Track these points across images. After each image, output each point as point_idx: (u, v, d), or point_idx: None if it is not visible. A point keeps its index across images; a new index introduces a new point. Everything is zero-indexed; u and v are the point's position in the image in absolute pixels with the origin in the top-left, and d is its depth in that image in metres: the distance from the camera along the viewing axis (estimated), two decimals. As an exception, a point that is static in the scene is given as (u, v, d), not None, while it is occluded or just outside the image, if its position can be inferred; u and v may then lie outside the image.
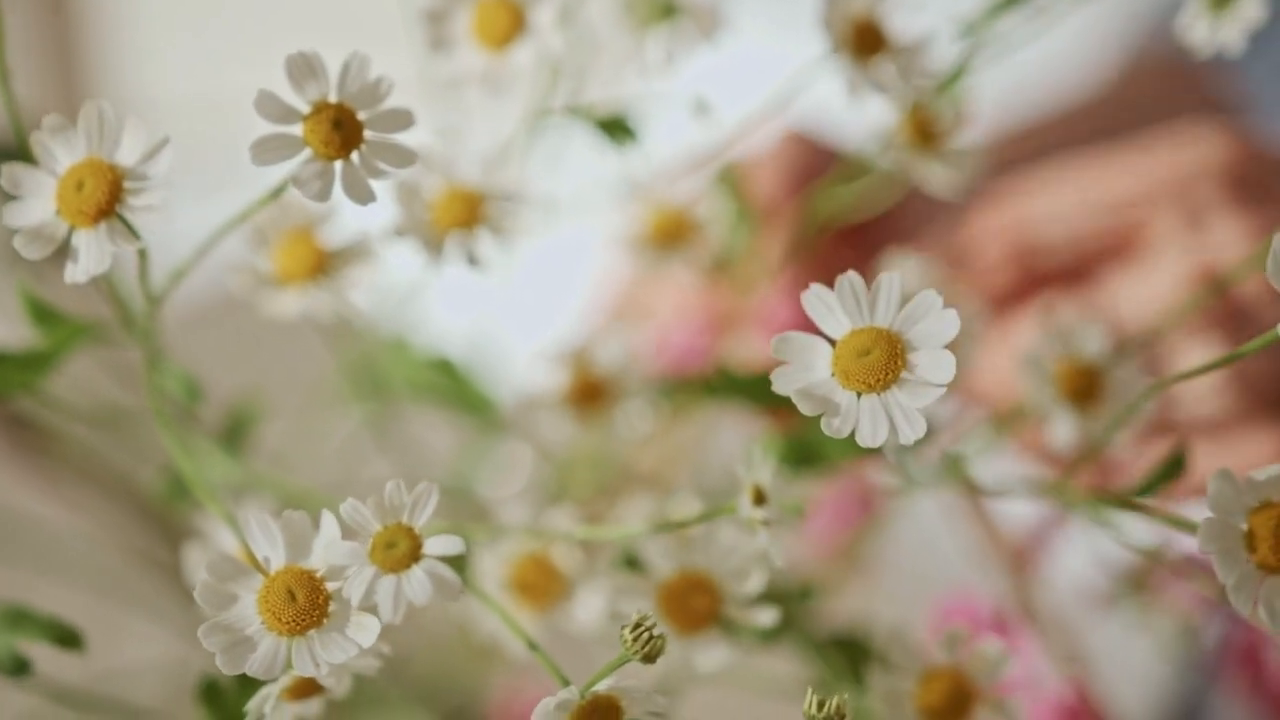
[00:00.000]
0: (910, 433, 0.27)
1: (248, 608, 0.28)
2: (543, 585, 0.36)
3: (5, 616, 0.33)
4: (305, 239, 0.35)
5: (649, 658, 0.29)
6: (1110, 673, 0.51)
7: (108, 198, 0.28)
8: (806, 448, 0.37)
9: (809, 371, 0.27)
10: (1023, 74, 0.60)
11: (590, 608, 0.36)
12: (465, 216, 0.35)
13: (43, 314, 0.34)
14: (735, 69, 0.45)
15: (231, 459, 0.39)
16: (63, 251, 0.50)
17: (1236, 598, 0.29)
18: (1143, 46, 0.61)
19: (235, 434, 0.40)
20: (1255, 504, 0.29)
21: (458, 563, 0.29)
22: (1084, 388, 0.36)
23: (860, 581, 0.49)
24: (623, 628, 0.29)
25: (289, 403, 0.44)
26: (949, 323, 0.27)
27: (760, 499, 0.31)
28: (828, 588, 0.43)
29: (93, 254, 0.28)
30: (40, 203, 0.29)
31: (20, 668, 0.32)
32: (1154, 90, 0.57)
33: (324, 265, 0.35)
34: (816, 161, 0.46)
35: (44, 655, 0.34)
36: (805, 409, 0.27)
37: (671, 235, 0.43)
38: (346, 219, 0.36)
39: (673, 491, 0.38)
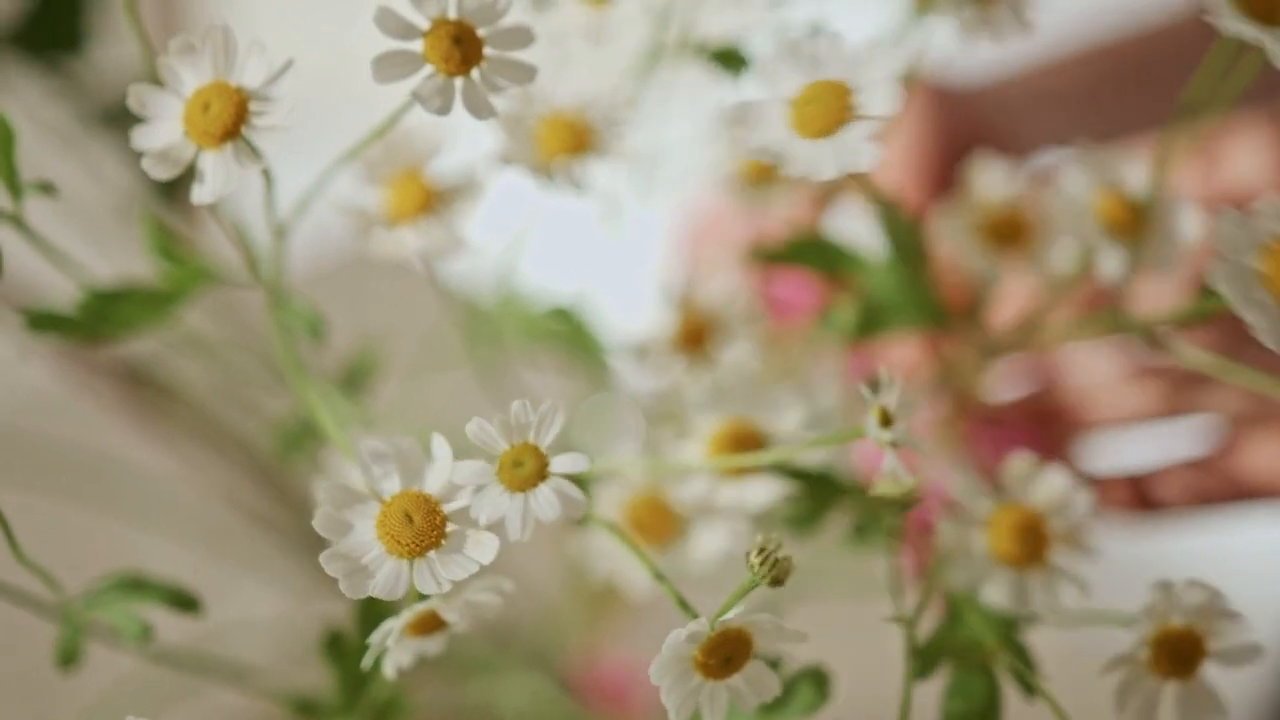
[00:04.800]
0: (863, 160, 0.29)
1: (366, 534, 0.28)
2: (659, 525, 0.36)
3: (125, 583, 0.33)
4: (413, 178, 0.35)
5: (777, 580, 0.28)
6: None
7: (234, 119, 0.28)
8: (871, 313, 0.37)
9: (765, 131, 0.30)
10: (1094, 4, 0.59)
11: (708, 546, 0.35)
12: (572, 143, 0.34)
13: (169, 250, 0.34)
14: (835, 18, 0.44)
15: (351, 405, 0.39)
16: (175, 199, 0.50)
17: (1268, 336, 0.29)
18: None
19: (355, 380, 0.40)
20: (1261, 244, 0.29)
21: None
22: (1128, 220, 0.35)
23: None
24: (748, 552, 0.28)
25: (400, 366, 0.44)
26: (890, 61, 0.29)
27: (887, 421, 0.30)
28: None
29: (219, 175, 0.28)
30: (168, 125, 0.29)
31: (143, 634, 0.32)
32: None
33: (432, 202, 0.35)
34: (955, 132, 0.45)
35: (148, 613, 0.34)
36: (765, 159, 0.29)
37: (769, 171, 0.42)
38: (450, 161, 0.36)
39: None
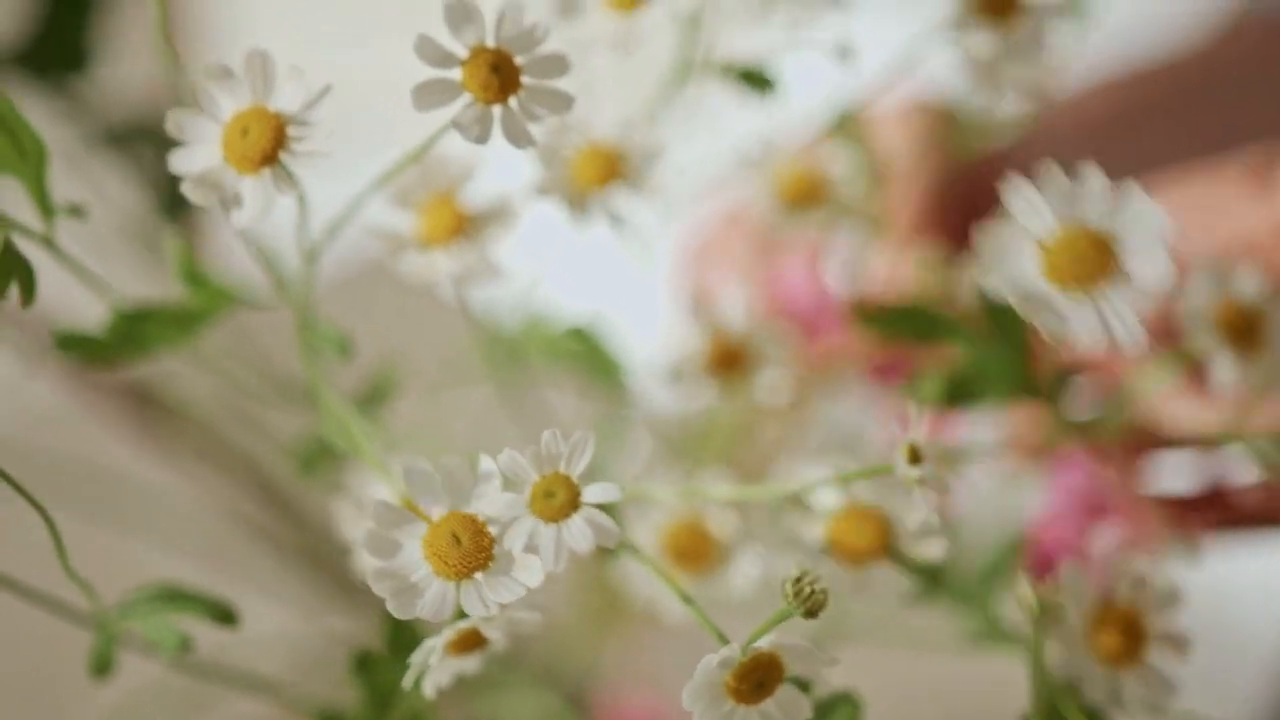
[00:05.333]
0: (1125, 332, 0.27)
1: (413, 553, 0.28)
2: (699, 551, 0.36)
3: (165, 595, 0.33)
4: (446, 202, 0.35)
5: (811, 612, 0.28)
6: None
7: (272, 144, 0.28)
8: (962, 385, 0.37)
9: (1015, 268, 0.27)
10: (1120, 32, 0.59)
11: (746, 573, 0.35)
12: (607, 174, 0.35)
13: (194, 275, 0.34)
14: (859, 35, 0.45)
15: (371, 423, 0.39)
16: (178, 217, 0.50)
17: None
18: (1244, 8, 0.60)
19: (374, 399, 0.40)
20: None
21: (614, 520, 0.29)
22: (1244, 330, 0.35)
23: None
24: (784, 581, 0.28)
25: (417, 381, 0.44)
26: (1159, 220, 0.27)
27: (916, 457, 0.30)
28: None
29: (258, 200, 0.28)
30: (205, 149, 0.29)
31: (181, 645, 0.32)
32: (1255, 51, 0.55)
33: (465, 228, 0.35)
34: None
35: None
36: (1019, 306, 0.27)
37: (804, 195, 0.42)
38: (483, 185, 0.36)
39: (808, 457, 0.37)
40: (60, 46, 0.50)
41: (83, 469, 0.52)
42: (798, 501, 0.34)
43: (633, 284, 0.55)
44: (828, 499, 0.33)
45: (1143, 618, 0.33)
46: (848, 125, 0.42)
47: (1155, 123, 0.51)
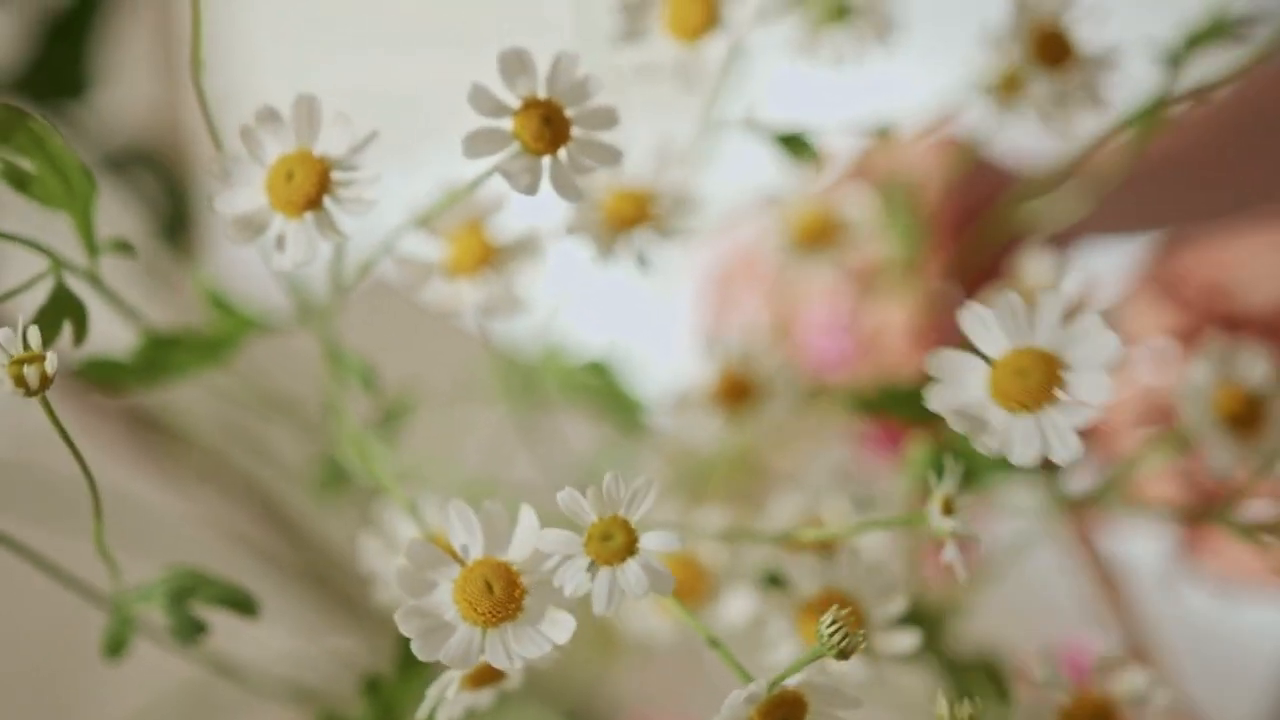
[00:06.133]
0: (1064, 452, 0.27)
1: (444, 595, 0.28)
2: (690, 585, 0.36)
3: (183, 579, 0.32)
4: (474, 232, 0.36)
5: (844, 654, 0.28)
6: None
7: (317, 188, 0.28)
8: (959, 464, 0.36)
9: (963, 390, 0.28)
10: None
11: (737, 608, 0.36)
12: (636, 216, 0.35)
13: (220, 302, 0.34)
14: (902, 78, 0.45)
15: (387, 448, 0.39)
16: (177, 242, 0.50)
17: None
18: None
19: (389, 423, 0.40)
20: None
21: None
22: (1244, 415, 0.35)
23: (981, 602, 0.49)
24: (820, 623, 0.29)
25: (427, 399, 0.44)
26: (1108, 345, 0.27)
27: (950, 510, 0.30)
28: (957, 608, 0.42)
29: (300, 244, 0.28)
30: (249, 191, 0.29)
31: (198, 629, 0.32)
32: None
33: (491, 259, 0.35)
34: (985, 182, 0.45)
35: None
36: (957, 427, 0.27)
37: (818, 237, 0.43)
38: (510, 218, 0.37)
39: (809, 491, 0.38)
40: (58, 73, 0.50)
41: (81, 489, 0.52)
42: (774, 580, 0.33)
43: (650, 311, 0.56)
44: (803, 583, 0.33)
45: (1116, 710, 0.32)
46: (877, 162, 0.42)
47: (1196, 169, 0.50)
